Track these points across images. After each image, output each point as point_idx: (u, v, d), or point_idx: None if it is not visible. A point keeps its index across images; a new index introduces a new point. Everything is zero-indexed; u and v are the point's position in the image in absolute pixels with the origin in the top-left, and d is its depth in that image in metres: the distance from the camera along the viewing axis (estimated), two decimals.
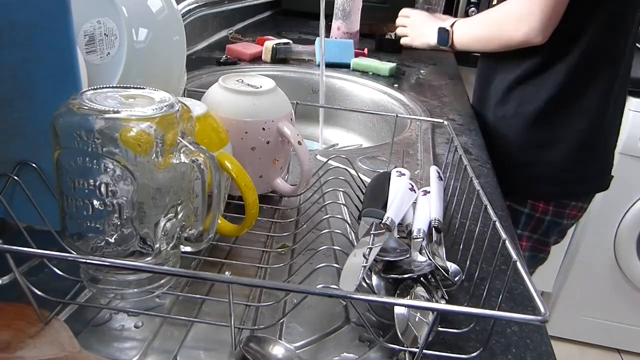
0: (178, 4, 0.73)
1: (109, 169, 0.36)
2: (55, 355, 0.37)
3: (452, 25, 1.14)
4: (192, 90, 0.78)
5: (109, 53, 0.55)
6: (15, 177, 0.43)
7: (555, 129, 1.01)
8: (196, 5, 0.79)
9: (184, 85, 0.69)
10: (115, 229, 0.38)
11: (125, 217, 0.38)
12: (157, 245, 0.40)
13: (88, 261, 0.36)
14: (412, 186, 0.58)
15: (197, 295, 0.46)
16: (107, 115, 0.36)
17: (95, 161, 0.36)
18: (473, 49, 1.14)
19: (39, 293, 0.40)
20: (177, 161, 0.38)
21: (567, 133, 1.00)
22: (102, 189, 0.37)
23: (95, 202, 0.37)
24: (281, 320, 0.45)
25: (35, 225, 0.45)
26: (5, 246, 0.36)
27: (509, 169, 1.01)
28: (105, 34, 0.55)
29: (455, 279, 0.47)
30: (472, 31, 1.10)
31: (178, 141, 0.38)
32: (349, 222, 0.55)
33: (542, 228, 1.08)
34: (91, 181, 0.37)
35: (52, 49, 0.41)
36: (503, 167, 0.91)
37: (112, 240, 0.39)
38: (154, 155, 0.37)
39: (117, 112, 0.36)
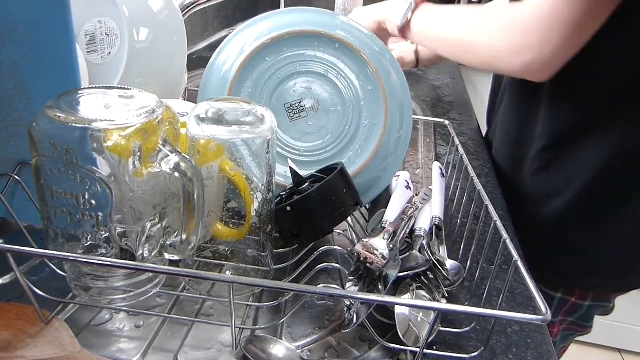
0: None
1: (85, 180, 0.35)
2: (55, 355, 0.37)
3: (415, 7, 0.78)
4: (193, 90, 0.78)
5: (110, 53, 0.55)
6: (17, 177, 0.43)
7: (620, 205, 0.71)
8: (197, 4, 0.79)
9: (185, 85, 0.69)
10: (95, 239, 0.38)
11: (104, 226, 0.37)
12: (140, 253, 0.39)
13: (89, 261, 0.36)
14: (408, 184, 0.58)
15: (198, 295, 0.46)
16: (81, 126, 0.34)
17: (70, 172, 0.35)
18: (435, 49, 0.79)
19: (40, 293, 0.40)
20: (158, 169, 0.37)
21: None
22: (80, 199, 0.36)
23: (74, 211, 0.37)
24: (282, 320, 0.45)
25: (36, 225, 0.45)
26: (7, 246, 0.36)
27: (541, 251, 0.75)
28: (106, 33, 0.55)
29: (457, 276, 0.47)
30: (446, 25, 0.73)
31: (158, 149, 0.37)
32: (350, 222, 0.54)
33: (581, 312, 0.81)
34: (68, 190, 0.36)
35: (52, 48, 0.41)
36: (535, 247, 0.71)
37: (94, 247, 0.38)
38: (132, 165, 0.36)
39: (94, 121, 0.34)
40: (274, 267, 0.47)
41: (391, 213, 0.51)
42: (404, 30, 0.80)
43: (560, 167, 0.72)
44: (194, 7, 0.77)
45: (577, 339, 1.94)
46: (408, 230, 0.50)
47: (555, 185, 0.73)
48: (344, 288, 0.49)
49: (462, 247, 0.53)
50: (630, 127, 0.66)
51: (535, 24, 0.59)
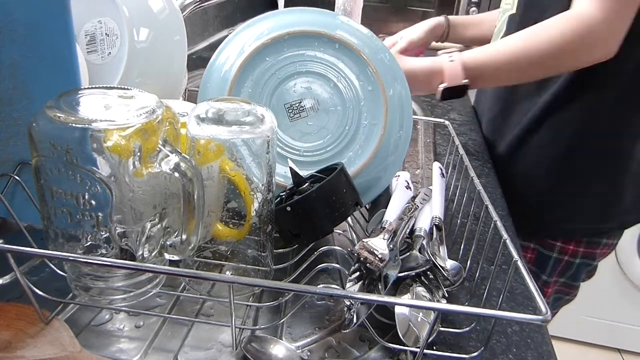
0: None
1: (85, 180, 0.35)
2: (55, 355, 0.37)
3: (464, 72, 0.76)
4: (193, 90, 0.78)
5: (110, 53, 0.55)
6: (17, 177, 0.43)
7: (599, 156, 0.82)
8: (197, 4, 0.79)
9: (185, 85, 0.69)
10: (95, 239, 0.38)
11: (104, 227, 0.37)
12: (140, 253, 0.39)
13: (89, 261, 0.36)
14: (408, 184, 0.59)
15: (198, 295, 0.46)
16: (81, 126, 0.34)
17: (70, 172, 0.35)
18: (498, 79, 0.82)
19: (40, 293, 0.40)
20: (158, 170, 0.37)
21: (614, 157, 0.82)
22: (80, 199, 0.36)
23: (74, 212, 0.36)
24: (282, 320, 0.45)
25: (36, 225, 0.45)
26: (7, 246, 0.36)
27: (531, 208, 0.87)
28: (106, 33, 0.55)
29: (457, 276, 0.47)
30: (507, 71, 0.77)
31: (158, 149, 0.37)
32: (350, 222, 0.55)
33: (571, 271, 0.92)
34: (68, 191, 0.36)
35: (52, 48, 0.41)
36: (524, 206, 0.80)
37: (94, 247, 0.38)
38: (132, 165, 0.36)
39: (94, 121, 0.34)
40: (274, 267, 0.47)
41: (391, 213, 0.51)
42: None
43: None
44: (194, 6, 0.77)
45: (576, 338, 1.92)
46: (408, 230, 0.50)
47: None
48: (344, 288, 0.49)
49: (462, 247, 0.53)
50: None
51: (598, 27, 0.68)
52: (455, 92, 0.76)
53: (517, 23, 0.82)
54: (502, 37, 0.86)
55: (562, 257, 0.90)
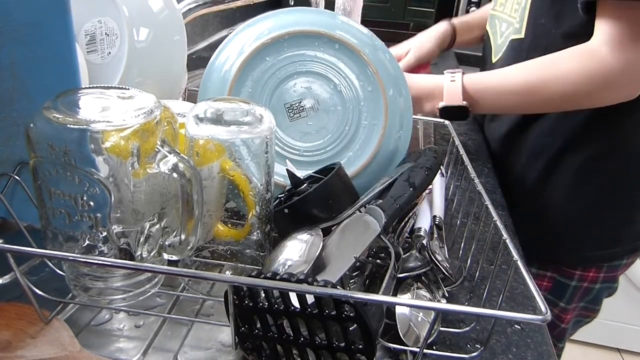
0: (178, 3, 0.73)
1: (83, 181, 0.35)
2: (55, 355, 0.37)
3: (464, 94, 0.74)
4: (193, 90, 0.78)
5: (110, 52, 0.55)
6: (17, 177, 0.43)
7: (618, 173, 0.78)
8: (196, 4, 0.79)
9: (185, 84, 0.69)
10: (93, 239, 0.38)
11: (102, 227, 0.37)
12: (139, 253, 0.39)
13: (88, 261, 0.36)
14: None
15: (198, 295, 0.46)
16: (79, 127, 0.34)
17: (69, 173, 0.35)
18: (499, 106, 0.79)
19: (40, 293, 0.40)
20: (156, 170, 0.37)
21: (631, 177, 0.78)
22: (78, 200, 0.36)
23: (72, 212, 0.36)
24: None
25: (36, 225, 0.45)
26: (6, 246, 0.36)
27: (545, 233, 0.83)
28: (106, 33, 0.55)
29: (457, 276, 0.47)
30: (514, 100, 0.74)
31: (157, 150, 0.37)
32: None
33: (591, 295, 0.88)
34: (67, 192, 0.36)
35: (52, 48, 0.41)
36: (535, 230, 0.77)
37: (92, 248, 0.38)
38: (130, 165, 0.36)
39: (92, 122, 0.34)
40: None
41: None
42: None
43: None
44: (196, 11, 0.77)
45: (577, 338, 1.92)
46: (408, 230, 0.50)
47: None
48: (344, 288, 0.48)
49: (462, 247, 0.53)
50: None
51: (610, 72, 0.64)
52: (454, 113, 0.74)
53: (525, 50, 0.78)
54: (501, 61, 0.85)
55: (581, 284, 0.85)
